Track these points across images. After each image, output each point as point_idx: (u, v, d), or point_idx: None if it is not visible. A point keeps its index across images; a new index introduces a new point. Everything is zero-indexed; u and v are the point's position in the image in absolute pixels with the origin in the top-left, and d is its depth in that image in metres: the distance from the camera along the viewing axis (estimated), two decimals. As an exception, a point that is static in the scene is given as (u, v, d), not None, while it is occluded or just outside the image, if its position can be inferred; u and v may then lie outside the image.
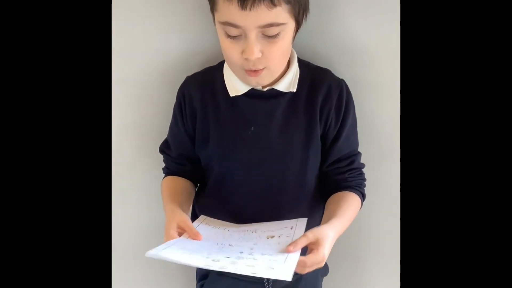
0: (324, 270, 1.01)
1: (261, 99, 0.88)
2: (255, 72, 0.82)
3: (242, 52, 0.80)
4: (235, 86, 0.88)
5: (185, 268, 1.01)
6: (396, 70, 0.86)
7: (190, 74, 0.96)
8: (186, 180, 0.96)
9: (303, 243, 0.77)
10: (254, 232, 0.85)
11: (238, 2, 0.75)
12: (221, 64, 0.93)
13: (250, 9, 0.75)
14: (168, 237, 0.80)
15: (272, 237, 0.82)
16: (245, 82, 0.87)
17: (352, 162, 0.92)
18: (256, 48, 0.79)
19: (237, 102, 0.89)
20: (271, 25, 0.77)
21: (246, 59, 0.80)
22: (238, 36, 0.79)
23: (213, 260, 0.72)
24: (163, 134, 0.99)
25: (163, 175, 0.99)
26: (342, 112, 0.90)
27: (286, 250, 0.75)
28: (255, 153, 0.89)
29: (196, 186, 0.99)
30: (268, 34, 0.78)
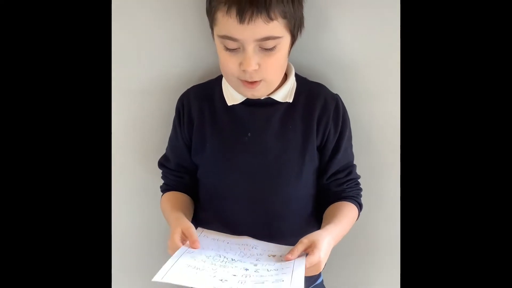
0: None
1: (258, 106, 0.90)
2: (252, 84, 0.85)
3: (240, 64, 0.82)
4: (233, 95, 0.91)
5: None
6: (396, 79, 0.87)
7: (190, 86, 0.98)
8: (185, 194, 0.97)
9: (299, 249, 0.78)
10: (254, 248, 0.85)
11: (236, 16, 0.78)
12: (220, 77, 0.95)
13: (248, 23, 0.78)
14: (172, 244, 0.81)
15: (274, 256, 0.82)
16: (241, 93, 0.89)
17: (349, 173, 0.94)
18: (253, 61, 0.81)
19: (235, 109, 0.91)
20: (267, 38, 0.80)
21: (244, 71, 0.83)
22: (236, 49, 0.82)
23: (221, 280, 0.72)
24: (163, 135, 1.00)
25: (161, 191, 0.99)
26: (340, 124, 0.92)
27: (285, 259, 0.77)
28: (251, 159, 0.90)
29: (194, 201, 0.99)
30: (265, 47, 0.81)
